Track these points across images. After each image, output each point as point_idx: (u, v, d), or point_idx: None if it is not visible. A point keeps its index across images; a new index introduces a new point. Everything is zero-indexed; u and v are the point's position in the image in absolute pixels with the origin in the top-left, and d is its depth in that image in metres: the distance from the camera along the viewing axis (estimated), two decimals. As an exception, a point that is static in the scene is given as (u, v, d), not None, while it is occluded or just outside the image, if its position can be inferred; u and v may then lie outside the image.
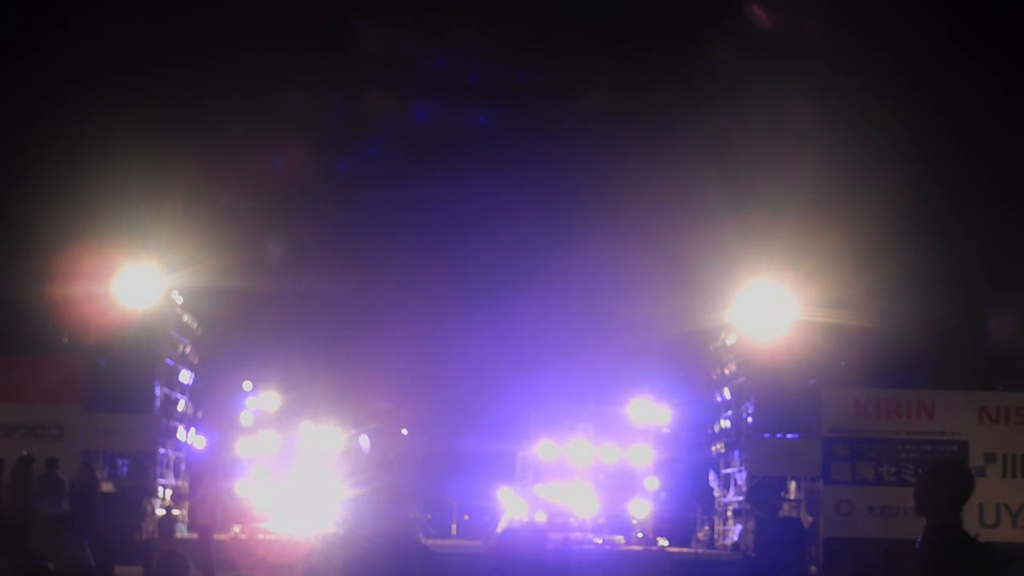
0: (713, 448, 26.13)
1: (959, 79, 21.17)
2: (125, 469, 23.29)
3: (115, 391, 22.30)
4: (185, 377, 25.28)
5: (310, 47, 22.66)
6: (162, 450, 23.61)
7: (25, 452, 18.79)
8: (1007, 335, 21.38)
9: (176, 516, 21.60)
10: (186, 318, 24.79)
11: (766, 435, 22.82)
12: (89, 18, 21.47)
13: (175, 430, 24.86)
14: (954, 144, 21.71)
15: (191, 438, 26.31)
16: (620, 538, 25.55)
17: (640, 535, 25.70)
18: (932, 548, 5.83)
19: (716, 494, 25.34)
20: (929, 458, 21.30)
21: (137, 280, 22.02)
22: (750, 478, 22.61)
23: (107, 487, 21.65)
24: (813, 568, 21.48)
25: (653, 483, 26.67)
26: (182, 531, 22.29)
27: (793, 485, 23.04)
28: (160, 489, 23.51)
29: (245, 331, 26.41)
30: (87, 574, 15.40)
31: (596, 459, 27.52)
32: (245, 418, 30.76)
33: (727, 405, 25.03)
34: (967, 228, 22.14)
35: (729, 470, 24.50)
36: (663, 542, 24.85)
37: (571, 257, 26.66)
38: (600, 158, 24.84)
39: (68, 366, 22.02)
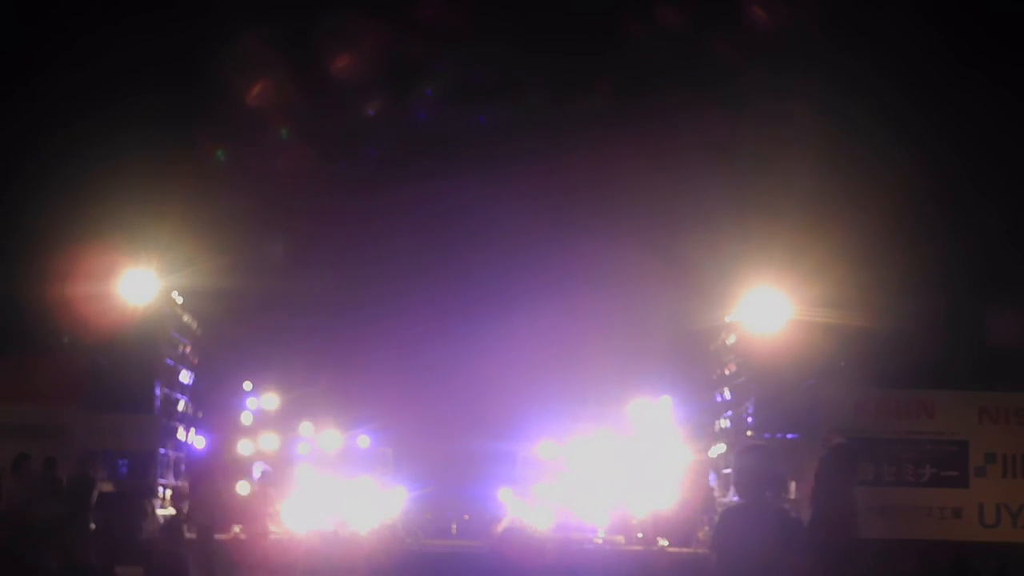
0: (713, 448, 26.15)
1: (958, 79, 21.17)
2: (125, 469, 23.29)
3: (115, 391, 22.30)
4: (185, 377, 25.30)
5: (309, 47, 22.67)
6: (162, 450, 23.62)
7: (23, 452, 18.78)
8: (1007, 335, 21.35)
9: (181, 518, 21.53)
10: (186, 318, 24.81)
11: (766, 435, 22.82)
12: (91, 22, 21.49)
13: (175, 430, 24.87)
14: (953, 144, 21.71)
15: (191, 438, 26.33)
16: (620, 538, 25.58)
17: (640, 535, 25.72)
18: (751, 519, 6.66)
19: (716, 494, 25.34)
20: (929, 458, 21.31)
21: (137, 280, 22.02)
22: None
23: (107, 487, 21.64)
24: (813, 568, 21.45)
25: (654, 483, 26.69)
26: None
27: (793, 485, 23.03)
28: (160, 489, 23.53)
29: (245, 331, 26.44)
30: (87, 574, 15.42)
31: (596, 459, 27.54)
32: (245, 418, 30.82)
33: (727, 405, 25.04)
34: (967, 228, 22.13)
35: (729, 470, 24.50)
36: (663, 542, 24.87)
37: (571, 258, 26.68)
38: (600, 160, 24.84)
39: (68, 366, 22.02)
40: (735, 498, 6.93)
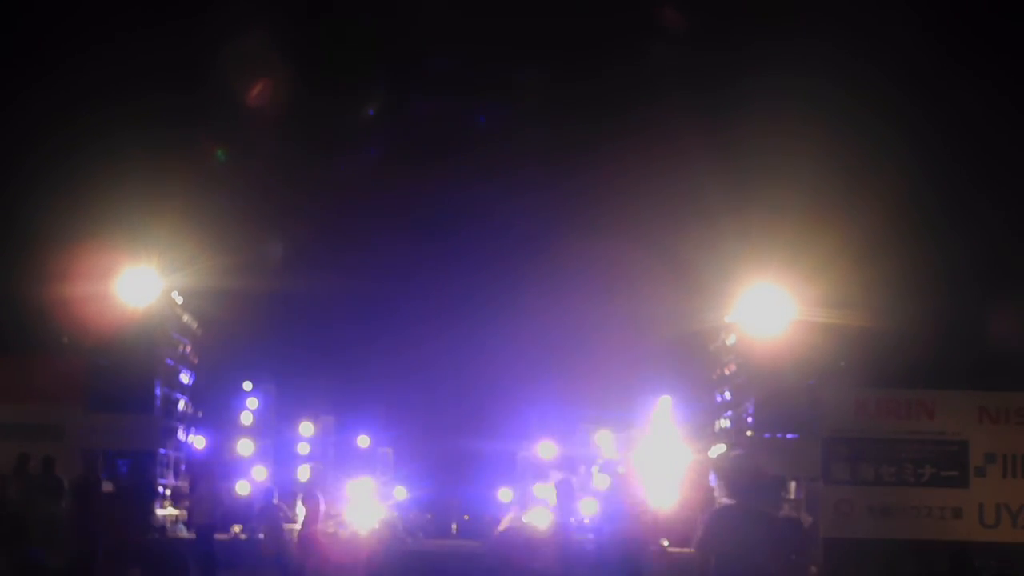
0: (713, 448, 26.14)
1: (958, 78, 21.17)
2: (125, 469, 23.28)
3: (115, 391, 22.28)
4: (185, 377, 25.30)
5: (309, 46, 22.67)
6: (162, 450, 23.61)
7: (23, 452, 18.80)
8: (1007, 335, 21.35)
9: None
10: (186, 318, 24.81)
11: (766, 435, 22.82)
12: (91, 21, 21.49)
13: (175, 430, 24.87)
14: (954, 143, 21.71)
15: (191, 438, 26.33)
16: (620, 538, 25.49)
17: (640, 535, 25.66)
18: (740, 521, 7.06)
19: (716, 494, 25.31)
20: (929, 458, 21.32)
21: (137, 280, 22.03)
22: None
23: (107, 487, 21.65)
24: (813, 568, 21.46)
25: (653, 483, 26.69)
26: (182, 531, 22.31)
27: (793, 485, 23.04)
28: (160, 489, 23.53)
29: (245, 331, 26.42)
30: (87, 573, 15.41)
31: (596, 459, 27.52)
32: (245, 418, 30.82)
33: (727, 405, 25.04)
34: (967, 227, 22.14)
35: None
36: (663, 542, 24.85)
37: (571, 257, 26.66)
38: (600, 159, 24.85)
39: (68, 366, 22.01)
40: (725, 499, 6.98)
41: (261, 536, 18.80)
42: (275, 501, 19.86)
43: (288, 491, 27.66)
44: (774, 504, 7.58)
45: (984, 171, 22.23)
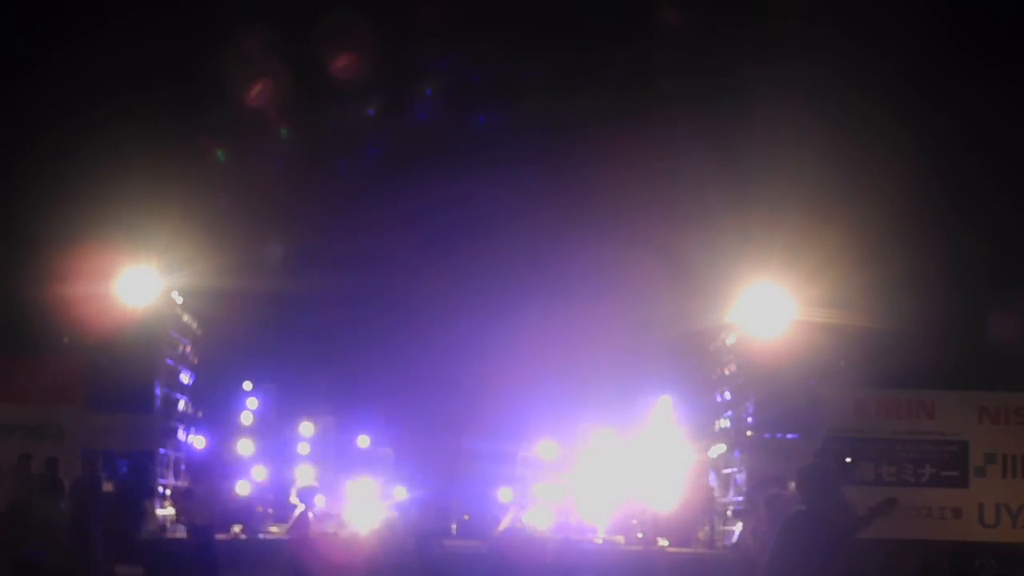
0: (713, 448, 26.16)
1: (959, 78, 21.16)
2: (125, 469, 23.30)
3: (115, 391, 22.29)
4: (185, 377, 25.32)
5: (310, 47, 22.67)
6: (162, 450, 23.62)
7: (24, 451, 18.81)
8: (1007, 335, 21.35)
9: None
10: (186, 318, 24.82)
11: (766, 435, 22.84)
12: (91, 22, 21.50)
13: (175, 430, 24.88)
14: (955, 143, 21.69)
15: (191, 438, 26.35)
16: (620, 538, 25.58)
17: (640, 535, 25.72)
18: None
19: (716, 494, 25.35)
20: (929, 458, 21.33)
21: (137, 280, 22.03)
22: (750, 478, 22.62)
23: (107, 487, 21.66)
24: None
25: (652, 483, 26.70)
26: (182, 531, 22.29)
27: (793, 485, 23.01)
28: (160, 489, 23.55)
29: (245, 331, 26.43)
30: (87, 573, 15.42)
31: (596, 459, 27.52)
32: (245, 418, 30.84)
33: (727, 405, 25.05)
34: (967, 228, 22.13)
35: (729, 470, 24.50)
36: (663, 542, 24.88)
37: (570, 258, 26.68)
38: (600, 159, 24.84)
39: (68, 366, 21.98)
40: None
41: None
42: (259, 508, 19.80)
43: (285, 490, 27.69)
44: (843, 508, 7.69)
45: (985, 171, 22.23)
